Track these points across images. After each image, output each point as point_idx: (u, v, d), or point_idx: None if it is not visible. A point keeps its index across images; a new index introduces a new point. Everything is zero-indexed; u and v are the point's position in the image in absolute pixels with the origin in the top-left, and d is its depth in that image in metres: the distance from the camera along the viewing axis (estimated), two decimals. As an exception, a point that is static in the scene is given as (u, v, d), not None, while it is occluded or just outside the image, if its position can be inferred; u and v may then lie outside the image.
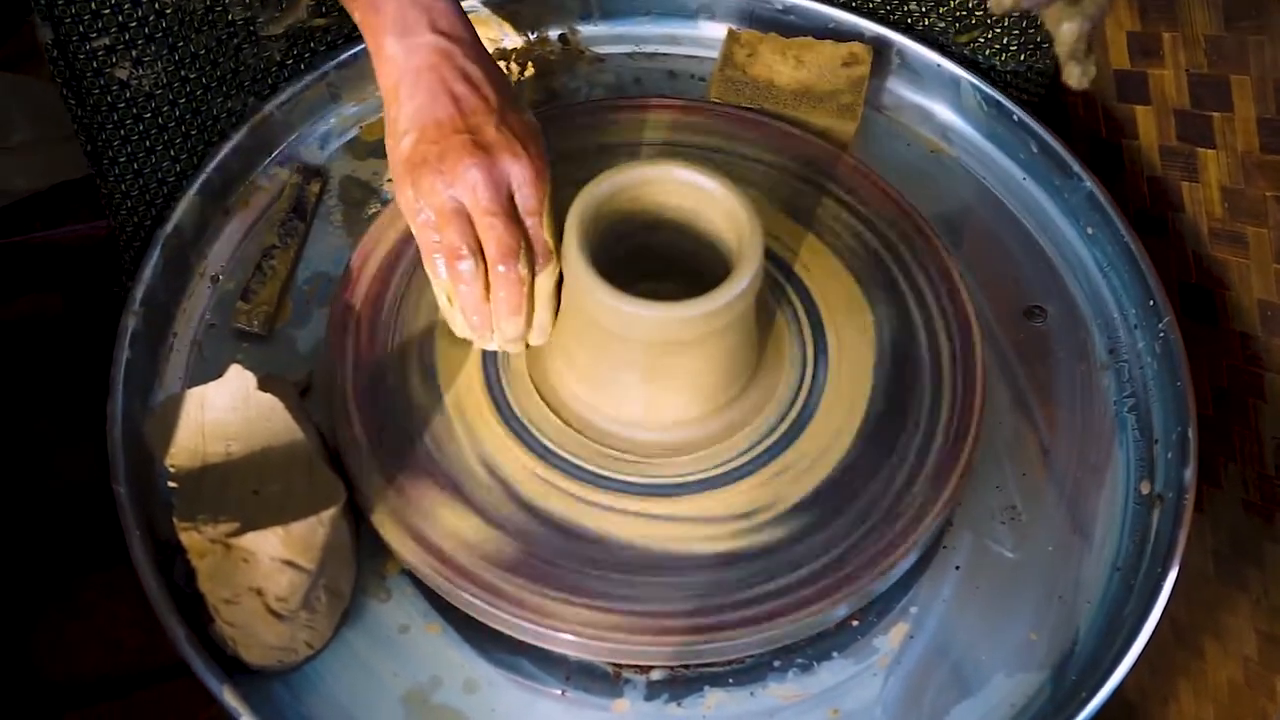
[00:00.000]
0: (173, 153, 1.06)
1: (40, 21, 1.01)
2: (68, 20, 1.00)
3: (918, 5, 1.16)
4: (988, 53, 1.15)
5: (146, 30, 1.01)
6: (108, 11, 1.00)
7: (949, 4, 1.14)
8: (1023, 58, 1.16)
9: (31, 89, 1.31)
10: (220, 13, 1.05)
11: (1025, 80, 1.17)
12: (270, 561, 0.83)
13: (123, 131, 1.05)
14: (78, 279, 1.31)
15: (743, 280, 0.84)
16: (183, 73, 1.04)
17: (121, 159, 1.06)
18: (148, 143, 1.05)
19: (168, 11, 1.01)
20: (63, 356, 1.45)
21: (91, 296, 1.33)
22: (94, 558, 1.41)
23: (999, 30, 1.14)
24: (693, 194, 0.89)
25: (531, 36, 1.17)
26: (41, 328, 1.45)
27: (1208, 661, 1.14)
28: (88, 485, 1.39)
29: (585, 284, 0.84)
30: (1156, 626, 0.89)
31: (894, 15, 1.16)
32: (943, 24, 1.15)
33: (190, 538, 0.83)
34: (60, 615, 1.38)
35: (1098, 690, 0.86)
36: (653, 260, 0.92)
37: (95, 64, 1.02)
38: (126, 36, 1.01)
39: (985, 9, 1.13)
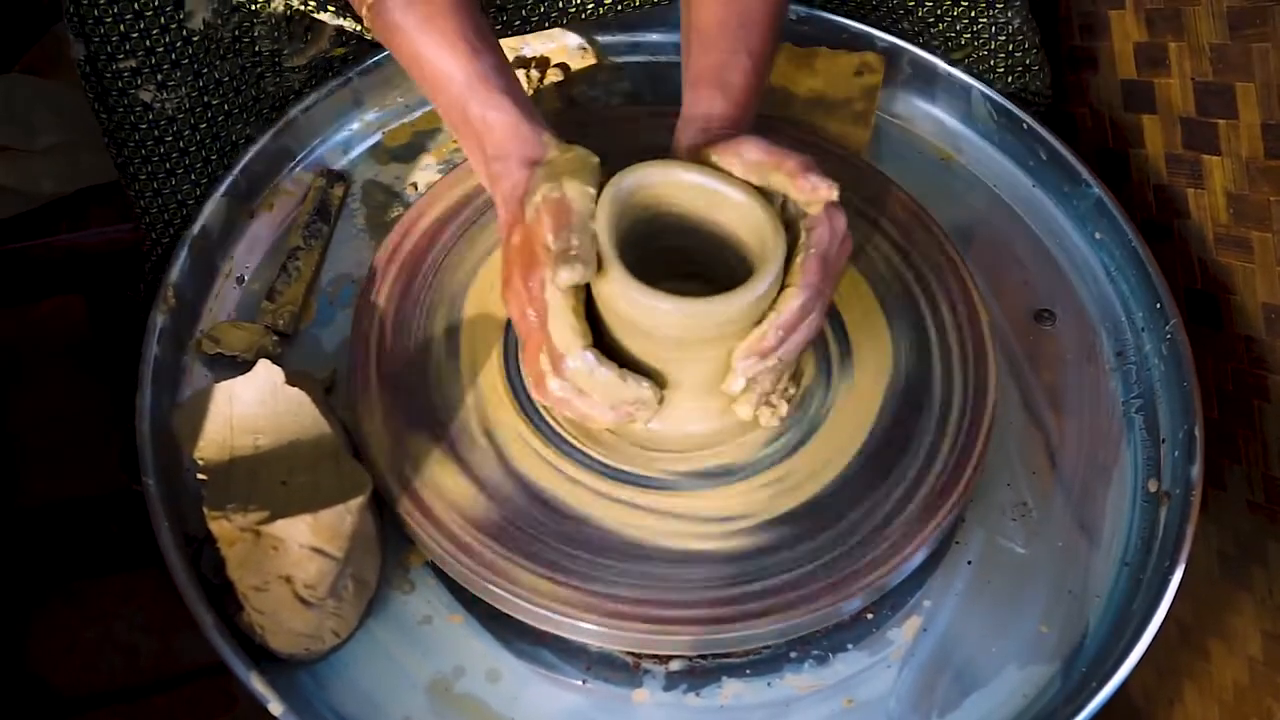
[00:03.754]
0: (193, 176, 1.08)
1: (73, 38, 1.03)
2: (97, 39, 1.02)
3: (910, 25, 1.18)
4: (978, 70, 1.18)
5: (173, 56, 1.03)
6: (136, 35, 1.02)
7: (938, 26, 1.17)
8: (1010, 79, 1.19)
9: (57, 94, 1.32)
10: (248, 43, 1.07)
11: (1019, 100, 1.18)
12: (299, 549, 0.84)
13: (144, 151, 1.06)
14: (101, 282, 1.32)
15: (763, 282, 0.85)
16: (205, 98, 1.06)
17: (143, 176, 1.07)
18: (168, 164, 1.07)
19: (195, 39, 1.03)
20: (85, 358, 1.46)
21: (114, 300, 1.34)
22: (110, 563, 1.42)
23: (985, 53, 1.17)
24: (713, 198, 0.89)
25: (551, 45, 1.20)
26: (65, 330, 1.46)
27: (1213, 662, 1.15)
28: (104, 491, 1.41)
29: (610, 273, 0.85)
30: (1163, 623, 0.90)
31: (889, 34, 1.18)
32: (935, 43, 1.18)
33: (220, 526, 0.85)
34: (73, 621, 1.38)
35: (1107, 681, 0.88)
36: (678, 262, 0.93)
37: (121, 84, 1.03)
38: (153, 60, 1.03)
39: (973, 32, 1.16)
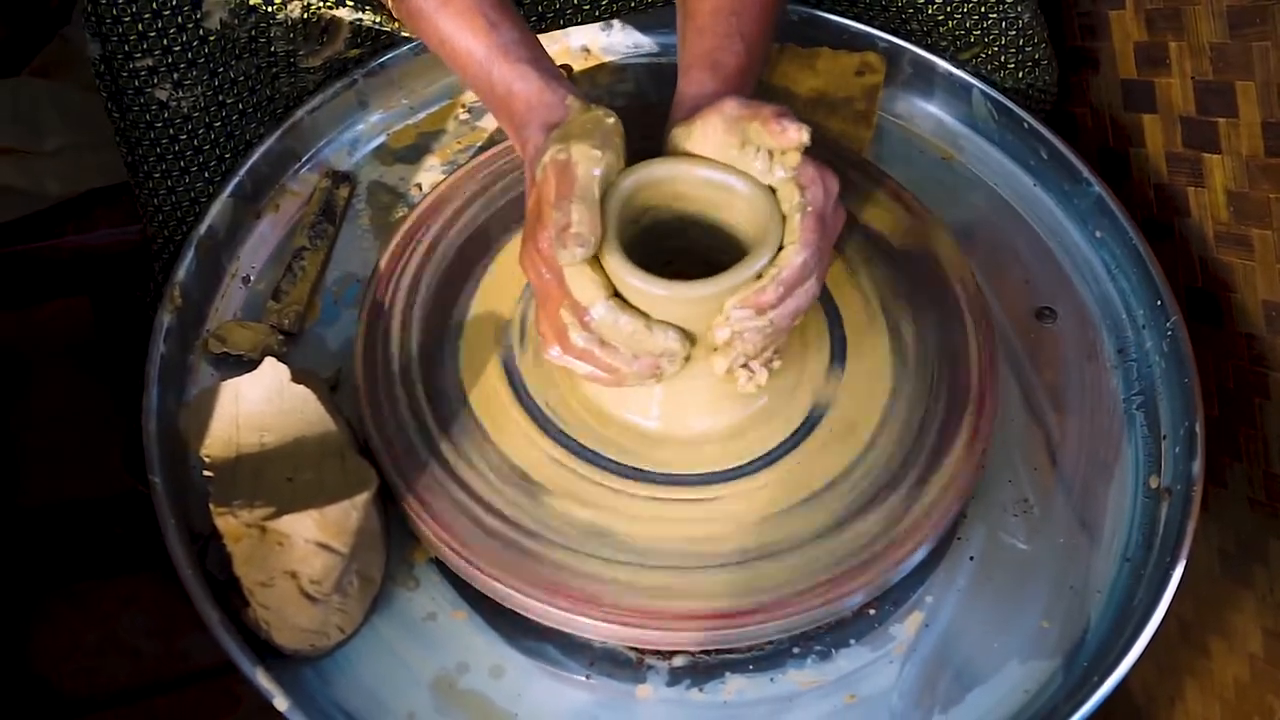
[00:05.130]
0: (207, 174, 1.09)
1: (89, 37, 1.04)
2: (114, 38, 1.02)
3: (919, 25, 1.19)
4: (988, 69, 1.18)
5: (189, 55, 1.04)
6: (153, 34, 1.02)
7: (948, 24, 1.17)
8: (1020, 75, 1.19)
9: (65, 96, 1.33)
10: (264, 43, 1.07)
11: (1026, 97, 1.19)
12: (305, 544, 0.85)
13: (158, 149, 1.07)
14: (107, 284, 1.33)
15: (759, 261, 0.85)
16: (220, 97, 1.07)
17: (156, 174, 1.08)
18: (182, 162, 1.08)
19: (211, 38, 1.04)
20: (90, 360, 1.46)
21: (121, 302, 1.35)
22: (113, 565, 1.42)
23: (996, 49, 1.17)
24: (720, 192, 0.89)
25: (554, 48, 1.20)
26: (70, 331, 1.47)
27: (1214, 660, 1.15)
28: (108, 493, 1.41)
29: (607, 260, 0.85)
30: (1164, 621, 0.90)
31: (897, 35, 1.19)
32: (944, 43, 1.18)
33: (226, 522, 0.85)
34: (76, 623, 1.39)
35: (1109, 676, 0.88)
36: (685, 263, 0.93)
37: (137, 83, 1.04)
38: (169, 59, 1.04)
39: (983, 28, 1.16)
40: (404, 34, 1.11)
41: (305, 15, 1.06)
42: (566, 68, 1.19)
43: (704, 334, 0.87)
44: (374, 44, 1.14)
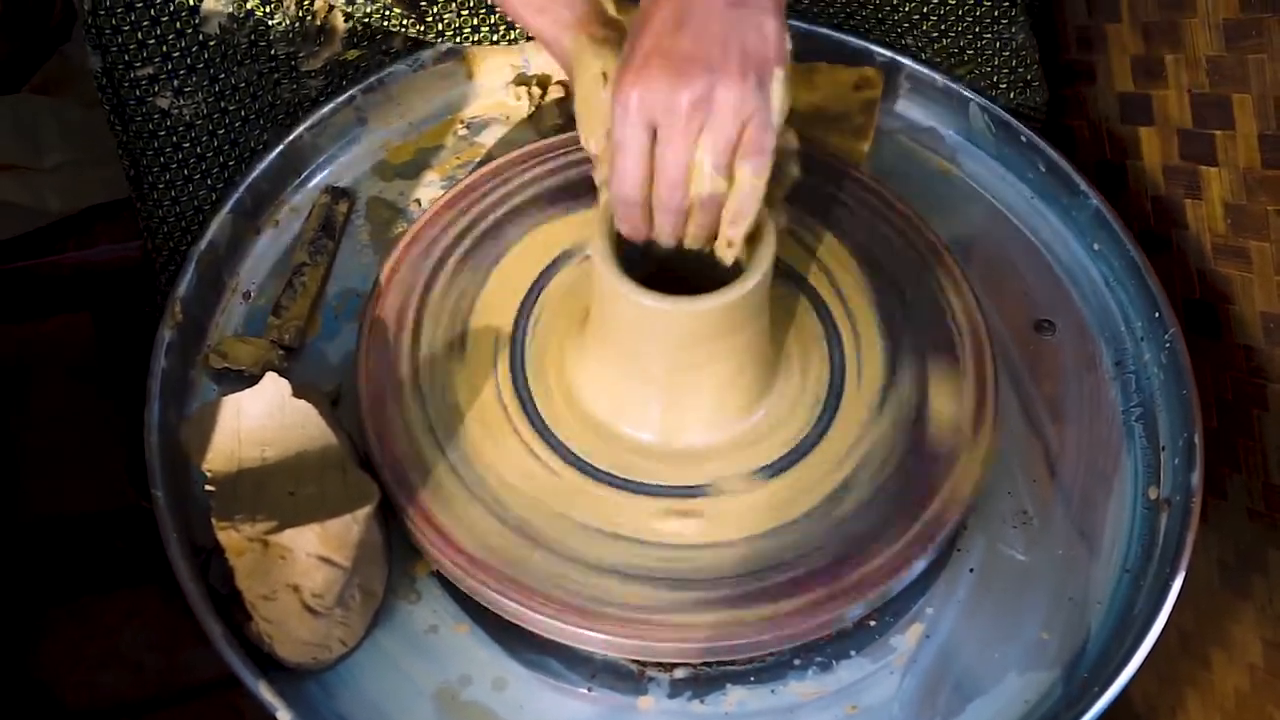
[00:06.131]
0: (210, 181, 1.09)
1: (90, 50, 1.05)
2: (115, 49, 1.03)
3: (913, 40, 1.19)
4: (980, 87, 1.19)
5: (189, 61, 1.05)
6: (153, 42, 1.03)
7: (943, 41, 1.18)
8: (1012, 95, 1.20)
9: (66, 112, 1.34)
10: (264, 47, 1.08)
11: (1017, 116, 1.19)
12: (307, 558, 0.85)
13: (162, 159, 1.08)
14: (108, 300, 1.33)
15: (752, 280, 0.86)
16: (223, 104, 1.07)
17: (160, 185, 1.09)
18: (186, 171, 1.08)
19: (210, 44, 1.04)
20: (92, 375, 1.47)
21: (121, 317, 1.35)
22: (116, 579, 1.42)
23: (989, 68, 1.18)
24: None
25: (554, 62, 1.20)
26: (71, 347, 1.47)
27: (1214, 671, 1.15)
28: (110, 507, 1.42)
29: (604, 275, 0.87)
30: (1163, 632, 0.91)
31: (891, 49, 1.19)
32: (939, 59, 1.19)
33: (229, 536, 0.86)
34: (79, 636, 1.39)
35: (1109, 686, 0.88)
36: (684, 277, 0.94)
37: (139, 92, 1.05)
38: (170, 66, 1.04)
39: (976, 48, 1.17)
40: (393, 28, 1.11)
41: (300, 13, 1.07)
42: (565, 83, 1.19)
43: (701, 346, 0.88)
44: (371, 44, 1.14)
